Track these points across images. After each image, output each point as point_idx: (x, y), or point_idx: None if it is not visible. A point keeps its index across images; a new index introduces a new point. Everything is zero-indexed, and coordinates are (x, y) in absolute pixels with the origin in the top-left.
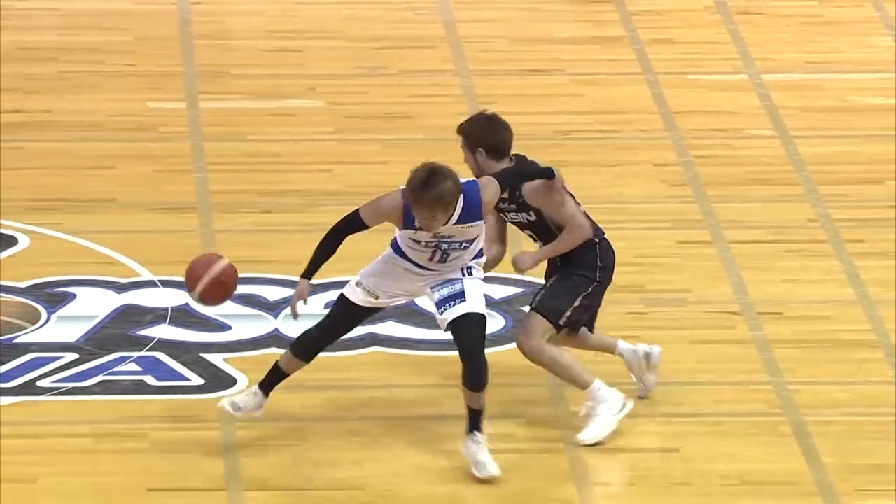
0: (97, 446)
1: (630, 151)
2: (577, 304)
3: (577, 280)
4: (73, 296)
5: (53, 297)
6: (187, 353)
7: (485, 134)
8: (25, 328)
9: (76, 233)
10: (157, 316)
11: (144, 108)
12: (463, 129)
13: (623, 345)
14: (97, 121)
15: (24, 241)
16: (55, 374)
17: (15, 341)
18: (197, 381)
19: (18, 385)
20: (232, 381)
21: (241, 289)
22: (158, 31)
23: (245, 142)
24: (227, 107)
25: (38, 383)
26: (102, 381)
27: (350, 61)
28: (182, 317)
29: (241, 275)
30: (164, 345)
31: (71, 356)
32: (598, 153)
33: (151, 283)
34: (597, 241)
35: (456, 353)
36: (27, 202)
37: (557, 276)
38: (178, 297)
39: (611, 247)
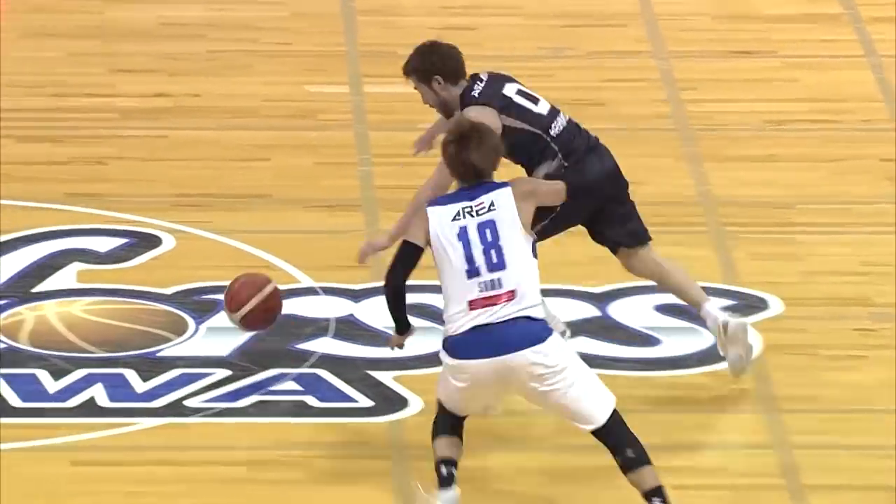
0: (252, 475)
1: (852, 145)
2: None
3: None
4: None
5: (201, 305)
6: (353, 371)
7: (434, 60)
8: (171, 340)
9: (226, 232)
10: (319, 328)
11: (302, 93)
12: (412, 67)
13: (709, 308)
14: (249, 106)
15: (168, 242)
16: (204, 392)
17: (159, 355)
18: (364, 402)
19: (164, 405)
20: (403, 403)
21: (412, 298)
22: (317, 6)
23: (415, 131)
24: (395, 91)
25: (186, 403)
26: (258, 402)
27: (530, 41)
28: (347, 329)
29: (409, 282)
30: (326, 361)
31: (222, 373)
32: (815, 146)
33: (311, 291)
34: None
35: None
36: (172, 197)
37: None
38: (343, 307)
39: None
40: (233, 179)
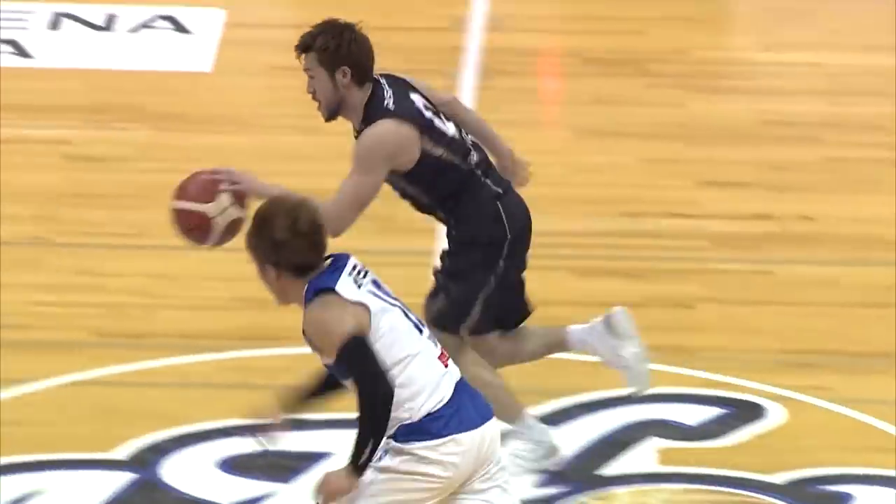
0: None
1: None
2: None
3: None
4: (850, 497)
5: (823, 497)
6: None
7: (352, 47)
8: None
9: (848, 402)
10: None
11: None
12: (319, 45)
13: (574, 330)
14: (875, 234)
15: (775, 413)
16: None
17: None
18: None
19: None
20: None
21: None
22: None
23: None
24: None
25: None
26: None
27: None
28: None
29: None
30: None
31: None
32: None
33: None
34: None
35: None
36: (778, 354)
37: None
38: None
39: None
40: (855, 332)
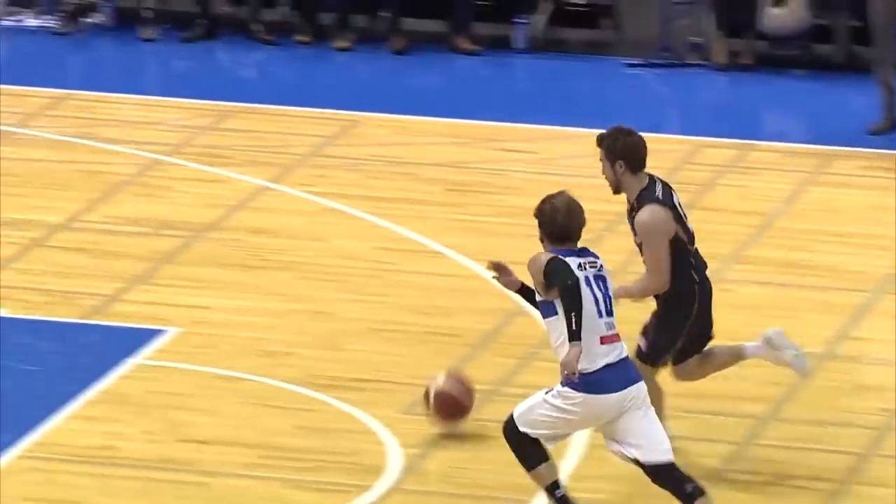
0: None
1: None
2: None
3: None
4: None
5: None
6: None
7: (626, 147)
8: None
9: None
10: None
11: None
12: (605, 143)
13: (748, 346)
14: None
15: None
16: None
17: None
18: None
19: None
20: None
21: None
22: None
23: None
24: None
25: None
26: None
27: None
28: None
29: None
30: None
31: None
32: None
33: None
34: (696, 283)
35: None
36: None
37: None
38: None
39: (707, 291)
40: None
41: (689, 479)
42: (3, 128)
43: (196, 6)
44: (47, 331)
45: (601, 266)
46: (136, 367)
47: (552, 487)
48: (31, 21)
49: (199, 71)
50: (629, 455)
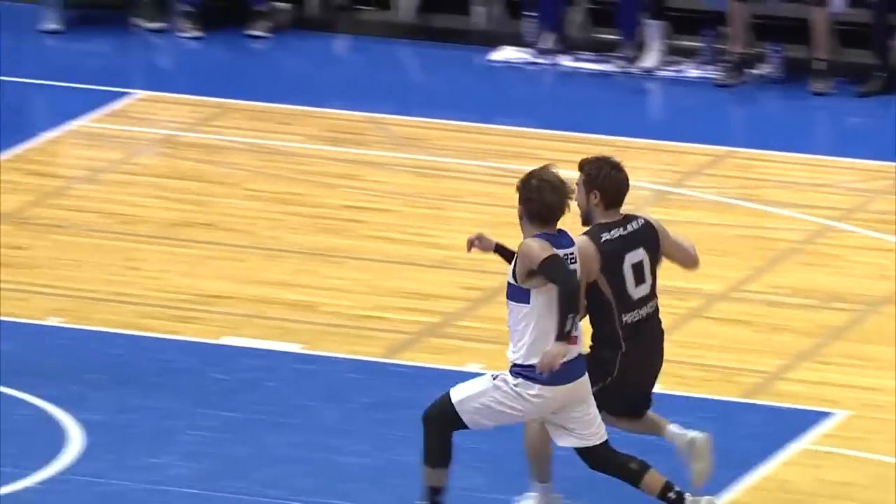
0: None
1: None
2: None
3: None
4: None
5: None
6: None
7: (607, 180)
8: None
9: None
10: None
11: None
12: (586, 169)
13: (674, 429)
14: None
15: None
16: None
17: None
18: None
19: None
20: None
21: None
22: None
23: None
24: None
25: None
26: None
27: None
28: None
29: None
30: None
31: None
32: None
33: None
34: (620, 350)
35: None
36: None
37: None
38: None
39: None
40: None
41: (630, 458)
42: (659, 187)
43: (874, 58)
44: (705, 409)
45: (575, 258)
46: (801, 452)
47: (440, 493)
48: (692, 72)
49: (875, 128)
50: (567, 444)
